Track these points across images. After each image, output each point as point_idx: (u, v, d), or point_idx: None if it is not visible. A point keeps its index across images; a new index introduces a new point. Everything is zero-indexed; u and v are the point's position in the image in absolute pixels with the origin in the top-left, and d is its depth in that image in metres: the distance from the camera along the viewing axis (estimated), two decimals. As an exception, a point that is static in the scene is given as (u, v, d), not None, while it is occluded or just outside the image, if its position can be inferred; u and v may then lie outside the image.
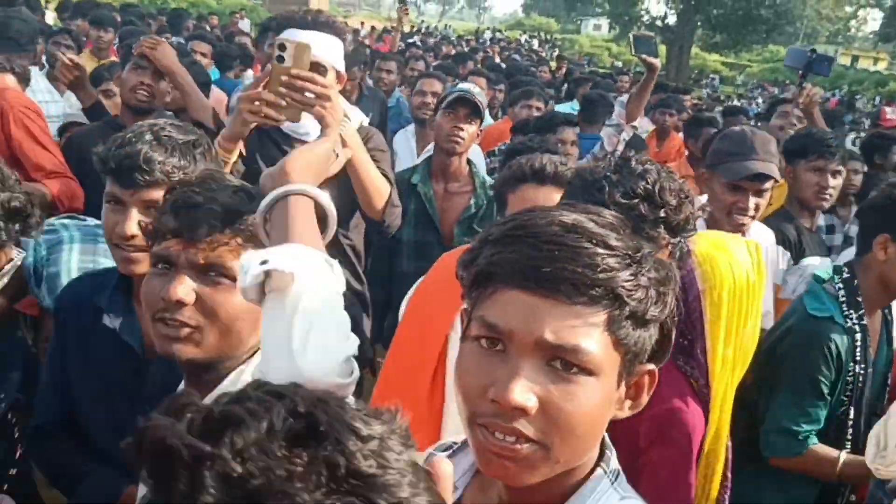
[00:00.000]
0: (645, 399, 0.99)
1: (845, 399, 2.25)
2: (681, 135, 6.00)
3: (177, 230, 1.30)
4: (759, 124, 8.72)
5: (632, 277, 0.89)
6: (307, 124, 2.52)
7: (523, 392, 0.86)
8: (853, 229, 3.87)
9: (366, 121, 2.76)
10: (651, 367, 0.97)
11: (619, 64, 31.16)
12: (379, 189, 2.47)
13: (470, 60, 9.69)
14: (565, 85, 9.71)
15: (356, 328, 3.06)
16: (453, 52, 14.41)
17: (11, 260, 2.07)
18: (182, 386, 1.41)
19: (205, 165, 1.71)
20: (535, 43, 35.28)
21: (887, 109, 7.94)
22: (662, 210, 1.53)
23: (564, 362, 0.88)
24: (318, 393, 0.53)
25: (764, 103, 21.50)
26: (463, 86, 3.32)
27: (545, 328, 0.87)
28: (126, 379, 1.69)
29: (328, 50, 2.49)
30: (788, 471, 2.29)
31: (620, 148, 3.78)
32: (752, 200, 2.53)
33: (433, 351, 1.82)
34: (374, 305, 3.25)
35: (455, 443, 1.09)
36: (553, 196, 2.10)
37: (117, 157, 1.65)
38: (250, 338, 1.35)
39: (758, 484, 2.32)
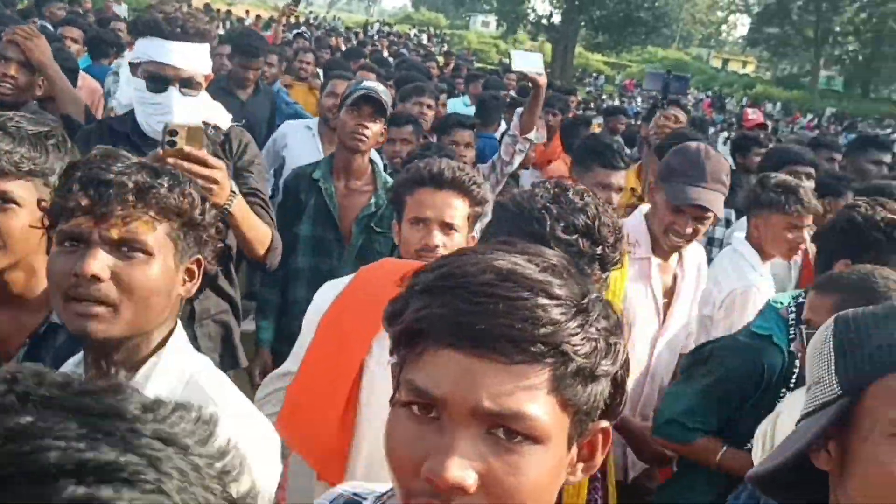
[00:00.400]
0: (599, 460, 0.89)
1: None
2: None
3: (88, 207, 1.28)
4: (639, 123, 9.10)
5: (578, 330, 0.79)
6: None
7: (461, 468, 0.76)
8: (717, 231, 4.06)
9: (227, 120, 2.68)
10: (604, 424, 0.87)
11: (507, 61, 31.68)
12: (261, 239, 2.40)
13: (362, 57, 9.61)
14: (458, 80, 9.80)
15: (228, 338, 2.95)
16: (343, 45, 14.25)
17: None
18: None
19: (57, 157, 1.66)
20: (424, 38, 35.41)
21: (749, 111, 8.40)
22: (600, 247, 1.50)
23: (507, 430, 0.78)
24: (42, 374, 0.49)
25: (643, 103, 22.41)
26: (367, 84, 3.27)
27: (482, 393, 0.77)
28: None
29: (197, 60, 2.44)
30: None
31: (518, 158, 3.81)
32: (691, 225, 2.53)
33: (347, 376, 1.72)
34: (269, 307, 3.19)
35: (360, 497, 1.02)
36: (450, 200, 2.13)
37: None
38: (164, 311, 1.35)
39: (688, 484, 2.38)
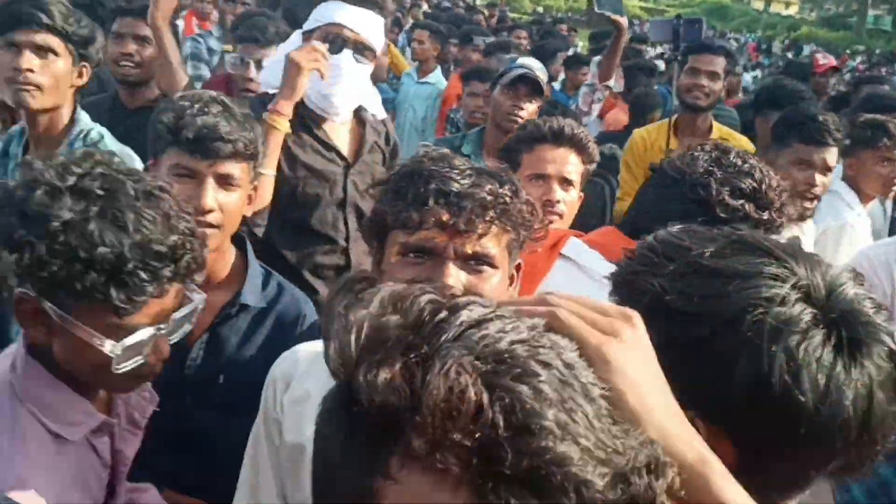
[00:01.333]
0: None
1: None
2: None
3: (446, 221, 1.24)
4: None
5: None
6: (336, 103, 2.45)
7: None
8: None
9: (381, 110, 2.75)
10: None
11: (540, 10, 31.07)
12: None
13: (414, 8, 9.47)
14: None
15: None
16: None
17: None
18: None
19: (260, 139, 1.73)
20: (459, -11, 34.72)
21: (819, 56, 8.11)
22: (766, 212, 1.47)
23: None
24: None
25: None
26: (524, 61, 3.22)
27: None
28: None
29: (371, 29, 2.39)
30: None
31: (596, 108, 3.79)
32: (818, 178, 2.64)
33: None
34: None
35: None
36: (568, 157, 2.17)
37: (194, 127, 1.61)
38: None
39: None
